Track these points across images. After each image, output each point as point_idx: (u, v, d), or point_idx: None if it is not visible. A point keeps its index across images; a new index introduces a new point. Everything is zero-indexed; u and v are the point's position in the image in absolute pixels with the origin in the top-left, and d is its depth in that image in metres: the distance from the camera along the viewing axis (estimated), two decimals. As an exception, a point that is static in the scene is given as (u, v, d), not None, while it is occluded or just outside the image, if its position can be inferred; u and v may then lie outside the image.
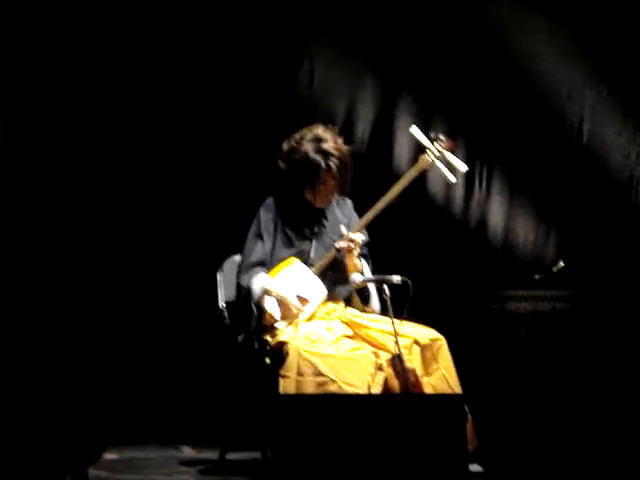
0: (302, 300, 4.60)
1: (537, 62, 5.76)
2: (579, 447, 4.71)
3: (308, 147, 4.64)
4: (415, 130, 4.66)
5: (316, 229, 4.75)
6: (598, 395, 4.95)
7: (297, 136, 4.69)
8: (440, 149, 4.61)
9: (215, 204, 5.71)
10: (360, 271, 4.67)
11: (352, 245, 4.62)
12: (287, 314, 4.58)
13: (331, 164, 4.63)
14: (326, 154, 4.63)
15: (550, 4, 5.77)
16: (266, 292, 4.59)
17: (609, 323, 5.07)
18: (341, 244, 4.63)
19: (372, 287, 4.70)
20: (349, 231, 4.64)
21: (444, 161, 4.61)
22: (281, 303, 4.59)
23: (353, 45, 5.78)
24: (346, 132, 5.46)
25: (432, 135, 4.63)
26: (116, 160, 5.68)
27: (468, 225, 5.82)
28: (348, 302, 4.76)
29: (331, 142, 4.65)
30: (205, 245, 5.60)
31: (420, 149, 4.65)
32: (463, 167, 4.63)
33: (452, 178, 4.64)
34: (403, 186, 4.60)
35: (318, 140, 4.64)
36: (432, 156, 4.60)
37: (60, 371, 4.95)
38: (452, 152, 4.62)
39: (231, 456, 4.86)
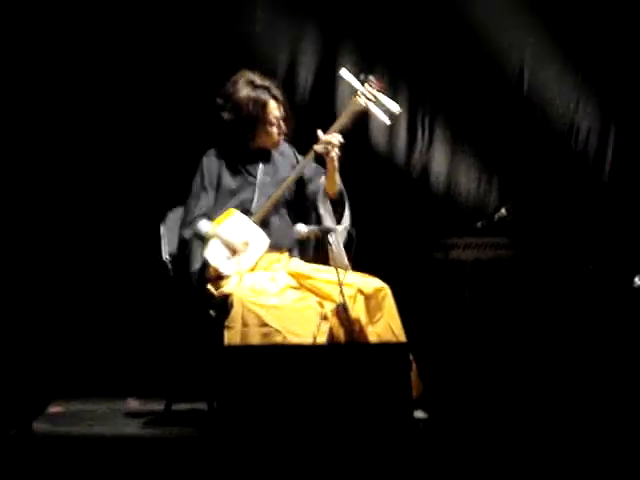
0: (245, 244, 4.59)
1: (478, 10, 5.75)
2: (520, 391, 4.77)
3: (247, 89, 4.66)
4: (345, 73, 4.68)
5: (259, 177, 4.73)
6: (538, 341, 5.00)
7: (229, 86, 4.70)
8: (371, 90, 4.61)
9: (157, 156, 5.65)
10: (340, 191, 4.66)
11: (329, 147, 4.59)
12: (232, 252, 4.56)
13: (275, 93, 4.69)
14: (265, 88, 4.68)
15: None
16: (208, 236, 4.57)
17: (550, 270, 5.12)
18: (318, 148, 4.60)
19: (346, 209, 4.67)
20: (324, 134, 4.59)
21: (377, 103, 4.61)
22: (225, 245, 4.57)
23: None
24: (288, 81, 5.44)
25: (362, 77, 4.64)
26: (66, 110, 5.61)
27: (411, 174, 5.83)
28: (301, 253, 4.75)
29: (264, 79, 4.71)
30: (148, 197, 5.55)
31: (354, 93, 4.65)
32: (396, 108, 4.63)
33: (386, 120, 4.64)
34: (338, 127, 4.61)
35: (252, 82, 4.68)
36: (364, 98, 4.61)
37: (3, 326, 4.91)
38: (383, 93, 4.62)
39: (177, 407, 4.85)
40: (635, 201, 5.63)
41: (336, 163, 4.62)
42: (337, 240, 4.50)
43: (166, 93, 5.65)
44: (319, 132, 4.63)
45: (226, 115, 4.68)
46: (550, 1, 5.74)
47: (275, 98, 4.70)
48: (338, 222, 4.66)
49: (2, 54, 5.55)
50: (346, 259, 4.53)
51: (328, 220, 4.65)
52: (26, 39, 5.57)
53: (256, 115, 4.66)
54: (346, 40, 5.76)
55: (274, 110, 4.70)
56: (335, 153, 4.59)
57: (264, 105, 4.67)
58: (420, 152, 5.84)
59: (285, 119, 4.73)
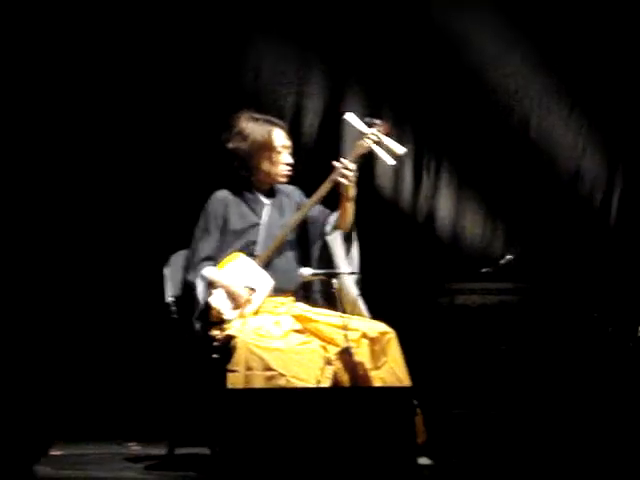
0: (250, 290, 4.58)
1: (484, 56, 5.77)
2: (526, 438, 4.73)
3: (251, 125, 4.69)
4: (351, 117, 4.71)
5: (264, 218, 4.72)
6: (545, 387, 4.97)
7: (232, 120, 4.72)
8: (377, 133, 4.64)
9: (161, 199, 5.66)
10: (353, 222, 4.65)
11: (347, 173, 4.59)
12: (236, 304, 4.55)
13: (278, 123, 4.72)
14: (268, 121, 4.72)
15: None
16: (212, 284, 4.56)
17: (555, 316, 5.10)
18: (336, 176, 4.59)
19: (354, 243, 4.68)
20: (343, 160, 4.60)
21: (382, 145, 4.64)
22: (228, 295, 4.57)
23: (299, 38, 5.76)
24: (294, 125, 5.46)
25: (367, 120, 4.67)
26: (67, 155, 5.62)
27: (416, 218, 5.83)
28: (307, 297, 4.74)
29: (266, 116, 4.75)
30: (151, 240, 5.55)
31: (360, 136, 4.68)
32: (400, 149, 4.67)
33: (390, 161, 4.66)
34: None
35: (255, 118, 4.72)
36: (369, 141, 4.63)
37: (3, 368, 4.89)
38: (388, 135, 4.65)
39: (179, 451, 4.82)
40: (641, 248, 5.63)
41: (352, 191, 4.62)
42: (346, 284, 4.52)
43: (172, 138, 5.68)
44: (334, 163, 4.64)
45: (232, 144, 4.70)
46: (557, 47, 5.76)
47: (279, 126, 4.73)
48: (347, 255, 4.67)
49: (21, 72, 5.55)
50: (360, 303, 4.54)
51: (341, 259, 4.65)
52: (51, 67, 5.59)
53: (262, 141, 4.67)
54: (352, 84, 5.79)
55: (279, 137, 4.72)
56: (351, 180, 4.59)
57: (269, 132, 4.70)
58: (426, 196, 5.84)
59: (291, 150, 4.74)
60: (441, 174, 5.84)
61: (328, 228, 4.69)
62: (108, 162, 5.66)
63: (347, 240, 4.68)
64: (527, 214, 5.78)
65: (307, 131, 5.78)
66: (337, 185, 4.64)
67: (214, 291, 4.56)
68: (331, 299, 4.52)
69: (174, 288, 4.79)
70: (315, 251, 4.72)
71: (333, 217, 4.70)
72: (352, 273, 4.59)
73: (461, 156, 5.82)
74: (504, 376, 5.00)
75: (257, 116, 4.73)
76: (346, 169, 4.60)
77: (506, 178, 5.79)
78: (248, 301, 4.56)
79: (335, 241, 4.67)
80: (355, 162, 4.65)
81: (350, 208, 4.65)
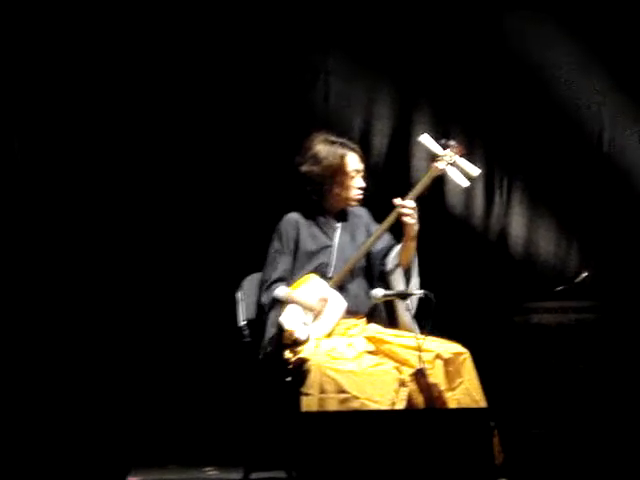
0: (322, 301, 4.56)
1: (556, 72, 5.74)
2: (605, 458, 4.65)
3: (326, 148, 4.68)
4: (425, 138, 4.69)
5: (336, 240, 4.71)
6: (625, 406, 4.89)
7: (306, 143, 4.73)
8: (451, 155, 4.62)
9: (232, 223, 5.69)
10: (413, 261, 4.63)
11: (407, 212, 4.56)
12: (313, 314, 4.55)
13: (353, 147, 4.72)
14: (343, 144, 4.72)
15: (567, 13, 5.74)
16: (286, 300, 4.56)
17: (635, 332, 5.01)
18: (401, 213, 4.56)
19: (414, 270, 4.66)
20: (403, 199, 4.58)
21: (456, 166, 4.62)
22: (303, 309, 4.56)
23: (368, 58, 5.76)
24: (363, 146, 5.44)
25: (442, 142, 4.65)
26: (140, 180, 5.67)
27: (489, 237, 5.79)
28: (372, 318, 4.71)
29: (340, 137, 4.75)
30: (224, 264, 5.57)
31: (433, 157, 4.67)
32: (475, 171, 4.64)
33: (464, 182, 4.64)
34: (417, 193, 4.60)
35: (328, 140, 4.71)
36: (444, 163, 4.61)
37: (83, 395, 4.94)
38: (463, 157, 4.63)
39: (255, 476, 4.81)
40: None
41: (414, 229, 4.60)
42: (401, 307, 4.50)
43: (242, 161, 5.69)
44: (395, 200, 4.62)
45: (305, 167, 4.70)
46: (628, 61, 5.70)
47: (353, 151, 4.72)
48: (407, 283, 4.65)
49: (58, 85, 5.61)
50: (413, 324, 4.51)
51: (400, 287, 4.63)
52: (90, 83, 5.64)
53: (336, 166, 4.67)
54: (421, 104, 5.77)
55: (353, 162, 4.71)
56: (413, 219, 4.57)
57: (343, 156, 4.69)
58: (498, 215, 5.80)
59: (364, 174, 4.73)
60: (513, 192, 5.80)
61: (388, 265, 4.66)
62: (182, 186, 5.70)
63: (406, 275, 4.65)
64: (601, 230, 5.71)
65: (376, 152, 5.77)
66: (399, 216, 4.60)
67: (286, 311, 4.57)
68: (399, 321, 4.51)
69: (247, 312, 4.80)
70: (377, 278, 4.69)
71: (394, 253, 4.67)
72: (425, 294, 4.55)
73: (533, 173, 5.77)
74: (582, 395, 4.93)
75: (332, 139, 4.72)
76: (406, 207, 4.57)
77: (579, 194, 5.73)
78: (323, 304, 4.55)
79: (396, 278, 4.64)
80: (420, 194, 4.59)
81: (412, 245, 4.62)
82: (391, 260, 4.67)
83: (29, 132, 5.54)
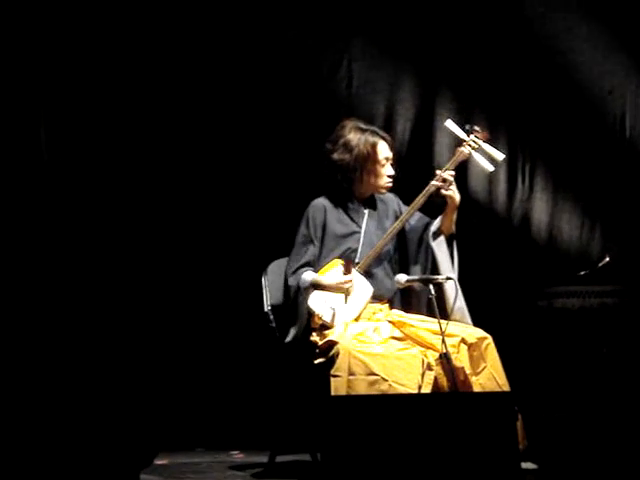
0: (346, 272, 4.59)
1: (577, 56, 5.72)
2: (629, 441, 4.67)
3: (356, 131, 4.71)
4: (450, 124, 4.74)
5: (364, 226, 4.74)
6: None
7: (337, 130, 4.75)
8: (476, 140, 4.67)
9: (259, 208, 5.71)
10: (453, 231, 4.68)
11: (445, 185, 4.61)
12: (340, 292, 4.58)
13: (383, 135, 4.75)
14: (374, 132, 4.74)
15: (588, -2, 5.75)
16: (313, 285, 4.59)
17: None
18: (435, 185, 4.61)
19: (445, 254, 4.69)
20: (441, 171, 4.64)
21: (481, 151, 4.68)
22: (331, 291, 4.59)
23: (391, 44, 5.77)
24: (386, 132, 5.45)
25: (467, 127, 4.71)
26: (163, 164, 5.69)
27: (512, 222, 5.80)
28: (407, 305, 4.74)
29: (370, 124, 4.80)
30: (250, 249, 5.60)
31: (458, 142, 4.72)
32: (500, 156, 4.70)
33: (489, 167, 4.69)
34: (449, 167, 4.66)
35: (359, 126, 4.74)
36: (469, 148, 4.65)
37: (111, 378, 4.97)
38: (488, 142, 4.69)
39: (281, 459, 4.85)
40: None
41: (457, 199, 4.64)
42: (448, 290, 4.52)
43: (268, 147, 5.71)
44: (437, 171, 4.68)
45: (336, 155, 4.72)
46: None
47: (384, 139, 4.74)
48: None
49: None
50: (462, 308, 4.54)
51: (445, 264, 4.65)
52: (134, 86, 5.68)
53: (367, 154, 4.69)
54: (443, 89, 5.78)
55: (384, 150, 4.74)
56: (453, 189, 4.62)
57: (374, 145, 4.71)
58: (521, 200, 5.80)
59: (393, 161, 4.77)
60: (536, 177, 5.80)
61: (430, 235, 4.70)
62: (210, 171, 5.71)
63: (449, 244, 4.69)
64: (624, 214, 5.70)
65: (399, 137, 5.78)
66: (434, 192, 4.65)
67: (313, 295, 4.59)
68: (430, 305, 4.52)
69: (272, 297, 4.83)
70: (419, 258, 4.72)
71: (434, 224, 4.71)
72: (448, 278, 4.58)
73: (556, 158, 5.77)
74: (605, 379, 4.94)
75: (362, 126, 4.75)
76: (444, 178, 4.62)
77: (602, 179, 5.73)
78: (348, 291, 4.58)
79: (439, 247, 4.68)
80: (453, 169, 4.66)
81: (454, 216, 4.67)
82: (432, 230, 4.70)
83: (56, 123, 5.58)
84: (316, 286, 4.59)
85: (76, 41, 5.59)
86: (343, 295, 4.60)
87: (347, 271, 4.60)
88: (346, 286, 4.58)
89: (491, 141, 4.72)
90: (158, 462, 4.94)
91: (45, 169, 5.53)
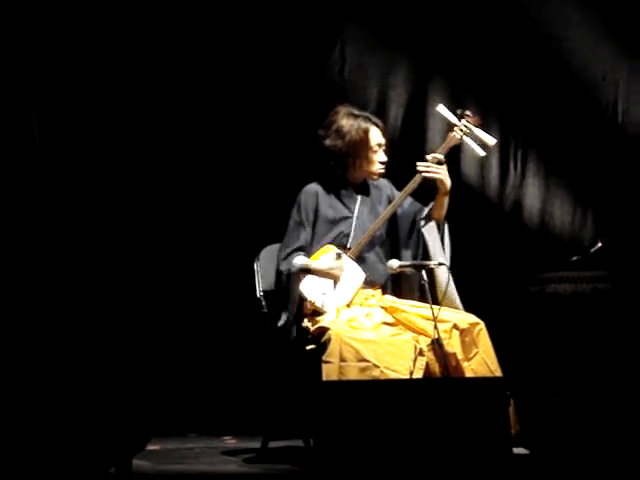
0: (338, 258, 4.59)
1: (570, 43, 5.71)
2: (622, 426, 4.68)
3: (348, 117, 4.70)
4: (442, 108, 4.76)
5: (356, 211, 4.74)
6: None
7: (330, 117, 4.75)
8: (468, 125, 4.67)
9: (250, 193, 5.71)
10: (444, 216, 4.68)
11: (433, 170, 4.61)
12: (332, 276, 4.58)
13: (375, 121, 4.74)
14: (366, 118, 4.74)
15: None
16: (304, 270, 4.59)
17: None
18: (423, 169, 4.62)
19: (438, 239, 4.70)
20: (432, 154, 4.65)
21: (472, 136, 4.69)
22: (322, 275, 4.59)
23: (384, 30, 5.76)
24: (379, 117, 5.44)
25: (459, 112, 4.72)
26: (157, 150, 5.69)
27: (504, 208, 5.80)
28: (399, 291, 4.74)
29: (362, 110, 4.79)
30: (242, 235, 5.60)
31: (449, 127, 4.73)
32: (491, 140, 4.71)
33: (481, 152, 4.71)
34: (438, 154, 4.67)
35: (352, 112, 4.74)
36: (460, 132, 4.66)
37: (102, 363, 4.97)
38: (479, 127, 4.69)
39: (273, 444, 4.86)
40: None
41: (448, 185, 4.64)
42: (439, 275, 4.52)
43: (261, 131, 5.70)
44: (427, 156, 4.68)
45: (329, 141, 4.71)
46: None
47: (376, 125, 4.73)
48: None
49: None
50: (453, 294, 4.55)
51: (437, 250, 4.65)
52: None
53: (359, 140, 4.69)
54: (436, 75, 5.77)
55: (376, 136, 4.73)
56: (443, 174, 4.61)
57: (366, 131, 4.71)
58: (513, 186, 5.81)
59: (386, 148, 4.76)
60: (528, 162, 5.80)
61: (422, 220, 4.70)
62: (203, 157, 5.71)
63: (440, 230, 4.69)
64: (616, 200, 5.71)
65: (392, 123, 5.78)
66: (426, 178, 4.65)
67: (305, 281, 4.59)
68: (422, 291, 4.53)
69: (265, 282, 4.83)
70: (410, 244, 4.72)
71: (426, 210, 4.71)
72: (440, 264, 4.59)
73: (548, 144, 5.77)
74: (597, 364, 4.95)
75: (355, 112, 4.74)
76: (436, 163, 4.62)
77: (594, 165, 5.73)
78: (339, 275, 4.58)
79: (430, 232, 4.68)
80: (444, 154, 4.67)
81: (446, 201, 4.67)
82: (424, 215, 4.70)
83: (48, 108, 5.56)
84: (306, 270, 4.59)
85: (70, 26, 5.58)
86: (333, 281, 4.61)
87: (338, 257, 4.60)
88: (335, 272, 4.58)
89: (483, 126, 4.73)
90: (150, 448, 4.95)
91: (37, 154, 5.52)
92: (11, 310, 4.97)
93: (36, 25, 5.53)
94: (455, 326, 4.51)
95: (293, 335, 4.58)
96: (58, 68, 5.57)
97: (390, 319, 4.57)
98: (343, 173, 4.74)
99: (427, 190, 4.75)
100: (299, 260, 4.62)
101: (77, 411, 4.22)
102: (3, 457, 3.98)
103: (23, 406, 4.20)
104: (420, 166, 4.65)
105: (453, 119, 4.71)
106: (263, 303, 4.80)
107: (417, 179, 4.66)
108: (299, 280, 4.59)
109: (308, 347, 4.50)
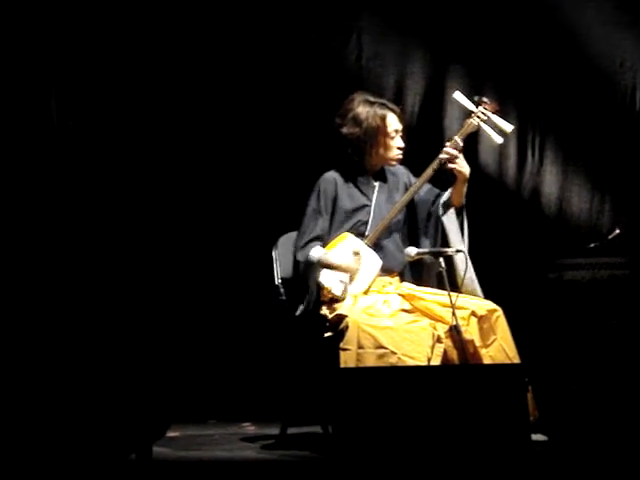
0: (356, 256, 4.60)
1: (588, 30, 5.70)
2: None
3: (365, 105, 4.70)
4: (459, 95, 4.76)
5: (374, 199, 4.75)
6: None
7: (346, 104, 4.75)
8: (484, 111, 4.67)
9: (269, 181, 5.72)
10: (463, 204, 4.68)
11: (454, 153, 4.62)
12: (349, 275, 4.59)
13: (392, 107, 4.74)
14: (383, 105, 4.73)
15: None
16: (322, 262, 4.60)
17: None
18: (444, 155, 4.63)
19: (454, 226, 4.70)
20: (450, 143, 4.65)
21: (490, 123, 4.69)
22: (339, 271, 4.60)
23: (400, 17, 5.76)
24: (396, 104, 5.44)
25: (476, 99, 4.72)
26: (172, 135, 5.70)
27: (522, 195, 5.80)
28: (417, 278, 4.75)
29: (379, 97, 4.79)
30: (260, 222, 5.61)
31: (467, 114, 4.73)
32: (509, 127, 4.70)
33: (498, 139, 4.70)
34: (457, 140, 4.67)
35: (368, 99, 4.73)
36: (477, 119, 4.66)
37: (123, 352, 5.00)
38: (497, 113, 4.69)
39: (292, 431, 4.88)
40: None
41: (467, 171, 4.64)
42: (458, 262, 4.53)
43: (279, 120, 5.71)
44: (446, 143, 4.69)
45: (346, 129, 4.72)
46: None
47: (393, 111, 4.74)
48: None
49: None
50: (473, 281, 4.56)
51: (455, 236, 4.66)
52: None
53: (376, 127, 4.69)
54: (454, 62, 5.77)
55: (393, 122, 4.73)
56: (460, 162, 4.62)
57: (383, 117, 4.71)
58: (531, 173, 5.80)
59: (403, 134, 4.77)
60: (546, 150, 5.79)
61: (440, 207, 4.71)
62: (221, 146, 5.72)
63: (459, 216, 4.70)
64: (634, 187, 5.70)
65: (409, 110, 5.78)
66: (444, 164, 4.66)
67: (323, 270, 4.61)
68: (440, 278, 4.53)
69: (282, 270, 4.85)
70: (428, 230, 4.73)
71: (444, 196, 4.71)
72: (458, 251, 4.59)
73: (566, 131, 5.76)
74: (615, 351, 4.95)
75: (371, 99, 4.74)
76: (454, 149, 4.62)
77: (612, 151, 5.72)
78: (357, 269, 4.59)
79: (449, 219, 4.68)
80: (462, 141, 4.67)
81: (464, 188, 4.67)
82: (442, 202, 4.70)
83: (67, 94, 5.58)
84: (323, 265, 4.60)
85: (89, 13, 5.59)
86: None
87: (355, 254, 4.62)
88: (352, 268, 4.59)
89: (500, 113, 4.73)
90: (170, 434, 4.98)
91: (56, 140, 5.54)
92: (30, 299, 5.00)
93: (55, 12, 5.54)
94: (473, 313, 4.51)
95: (311, 322, 4.59)
96: (77, 54, 5.59)
97: (408, 306, 4.58)
98: (360, 160, 4.75)
99: (445, 177, 4.76)
100: (315, 253, 4.62)
101: (98, 399, 4.25)
102: (23, 444, 4.01)
103: (46, 394, 4.23)
104: (443, 152, 4.65)
105: (470, 106, 4.71)
106: (281, 290, 4.81)
107: (434, 166, 4.67)
108: (317, 268, 4.61)
109: (326, 334, 4.52)
